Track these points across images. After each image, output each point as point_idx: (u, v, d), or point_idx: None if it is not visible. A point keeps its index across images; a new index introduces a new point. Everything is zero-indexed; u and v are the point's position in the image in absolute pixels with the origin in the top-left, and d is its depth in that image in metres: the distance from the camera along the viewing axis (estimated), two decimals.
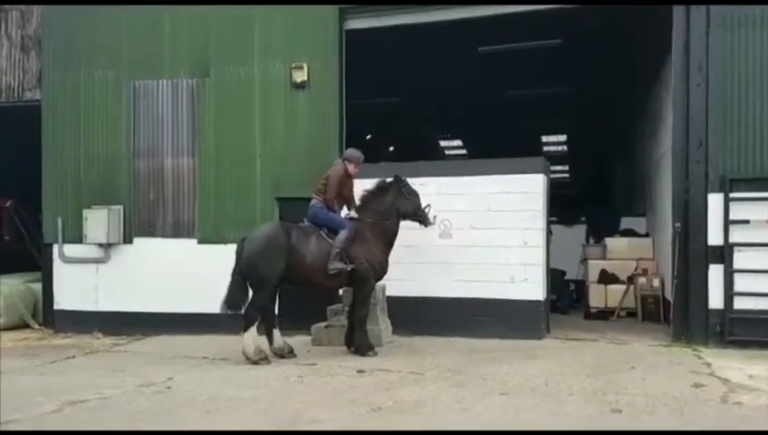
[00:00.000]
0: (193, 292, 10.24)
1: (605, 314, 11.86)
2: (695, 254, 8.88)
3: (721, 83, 8.77)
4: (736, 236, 8.67)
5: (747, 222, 8.65)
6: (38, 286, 11.82)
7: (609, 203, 19.75)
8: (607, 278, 12.28)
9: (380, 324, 9.06)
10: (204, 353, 8.80)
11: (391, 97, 16.08)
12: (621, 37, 12.01)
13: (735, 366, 7.40)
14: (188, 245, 10.81)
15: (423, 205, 8.71)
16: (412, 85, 15.39)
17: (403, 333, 9.44)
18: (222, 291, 8.13)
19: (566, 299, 12.84)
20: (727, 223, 8.68)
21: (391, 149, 21.29)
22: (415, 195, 8.73)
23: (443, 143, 23.45)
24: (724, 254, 8.68)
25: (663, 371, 7.29)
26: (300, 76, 10.34)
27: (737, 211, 8.67)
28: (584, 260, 13.53)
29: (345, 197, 8.68)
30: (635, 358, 7.99)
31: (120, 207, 11.00)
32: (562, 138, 22.26)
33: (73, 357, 9.04)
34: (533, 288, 9.38)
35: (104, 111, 11.19)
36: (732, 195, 8.68)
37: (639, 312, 11.50)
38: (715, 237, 8.75)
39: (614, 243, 12.96)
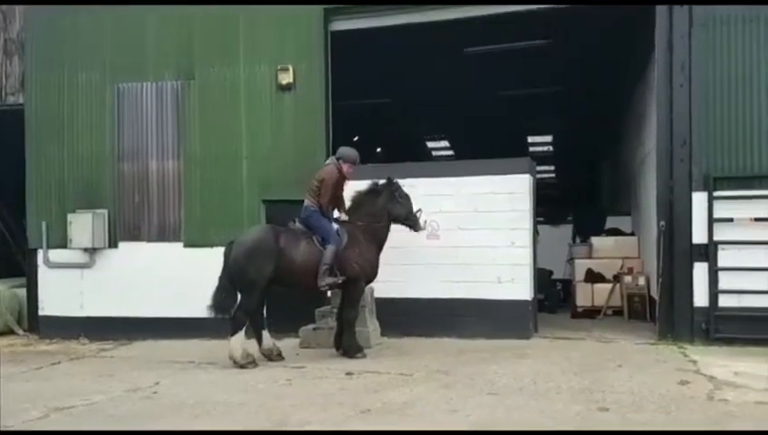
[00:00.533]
0: (179, 296, 10.16)
1: (592, 313, 11.91)
2: (679, 252, 8.95)
3: (704, 83, 8.84)
4: (720, 234, 8.75)
5: (731, 220, 8.73)
6: (23, 292, 11.70)
7: (595, 203, 19.87)
8: (593, 277, 12.33)
9: (369, 326, 9.06)
10: (191, 358, 8.76)
11: (379, 98, 16.06)
12: (607, 37, 12.07)
13: (721, 363, 7.46)
14: (174, 248, 10.73)
15: (414, 209, 8.66)
16: (399, 86, 15.38)
17: (391, 334, 9.45)
18: (209, 295, 8.08)
19: (553, 298, 12.88)
20: (711, 221, 8.75)
21: (378, 150, 21.27)
22: (407, 199, 8.65)
23: (430, 144, 23.46)
24: (708, 252, 8.75)
25: (649, 368, 7.34)
26: (285, 78, 10.31)
27: (721, 209, 8.74)
28: (571, 259, 13.58)
29: (337, 197, 8.58)
30: (622, 356, 8.04)
31: (105, 211, 10.92)
32: (548, 138, 22.34)
33: (59, 363, 8.97)
34: (521, 288, 9.42)
35: (88, 115, 11.11)
36: (716, 193, 8.75)
37: (626, 310, 11.56)
38: (699, 236, 8.82)
39: (600, 242, 13.02)
